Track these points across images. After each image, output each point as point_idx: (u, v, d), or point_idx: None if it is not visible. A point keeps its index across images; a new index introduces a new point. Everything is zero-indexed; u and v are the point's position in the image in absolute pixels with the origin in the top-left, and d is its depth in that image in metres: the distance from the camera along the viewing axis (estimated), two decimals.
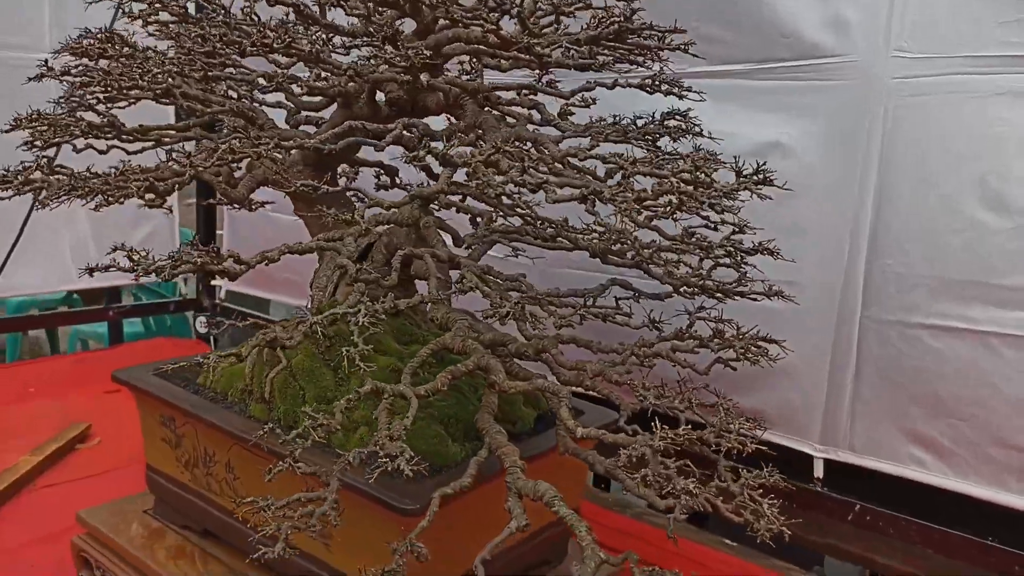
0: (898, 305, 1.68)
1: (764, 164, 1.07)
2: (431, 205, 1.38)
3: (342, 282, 1.52)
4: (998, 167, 1.55)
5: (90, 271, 1.05)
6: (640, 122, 1.27)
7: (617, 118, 1.28)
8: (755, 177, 1.03)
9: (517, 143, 1.11)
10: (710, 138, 1.29)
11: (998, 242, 1.55)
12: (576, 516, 0.94)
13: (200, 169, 1.22)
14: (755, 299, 1.25)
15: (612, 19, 1.02)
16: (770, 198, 1.06)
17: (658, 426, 0.85)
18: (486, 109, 1.29)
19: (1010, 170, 1.54)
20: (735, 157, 1.07)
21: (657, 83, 1.21)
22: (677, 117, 1.29)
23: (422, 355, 1.18)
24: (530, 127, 1.24)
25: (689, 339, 1.09)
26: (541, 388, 1.07)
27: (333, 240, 1.31)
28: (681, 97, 1.23)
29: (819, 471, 1.85)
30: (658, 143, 1.28)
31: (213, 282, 3.44)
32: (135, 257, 1.06)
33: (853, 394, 1.77)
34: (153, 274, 1.07)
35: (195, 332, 1.65)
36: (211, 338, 3.36)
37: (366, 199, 1.34)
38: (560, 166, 0.98)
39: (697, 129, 1.26)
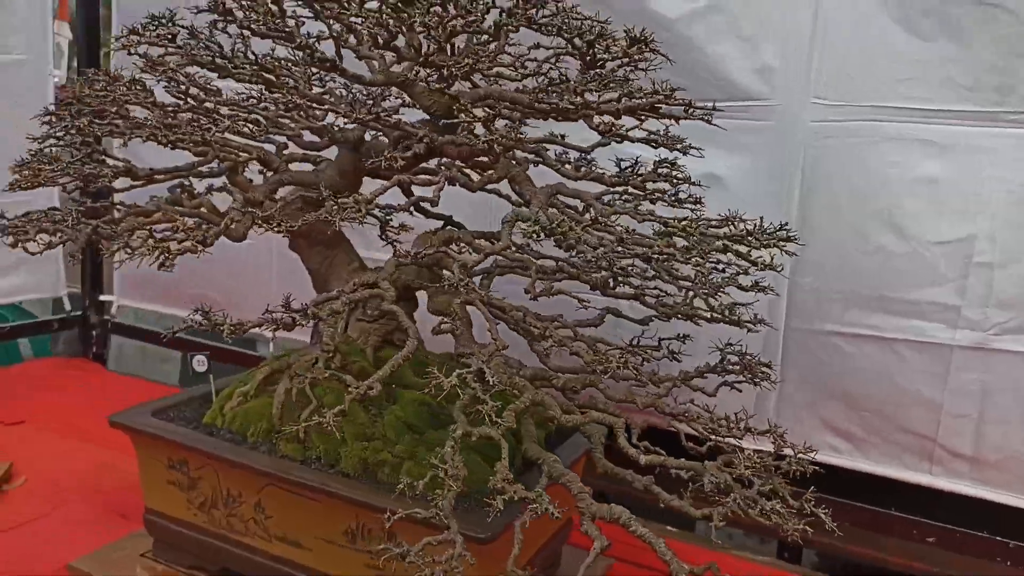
0: (816, 316, 1.97)
1: (786, 224, 1.28)
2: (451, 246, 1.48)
3: (352, 317, 1.58)
4: (896, 202, 1.86)
5: None
6: (641, 170, 1.44)
7: (622, 166, 1.44)
8: (779, 233, 1.23)
9: (559, 196, 1.26)
10: (697, 185, 1.48)
11: (898, 263, 1.87)
12: (652, 535, 1.10)
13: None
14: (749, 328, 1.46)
15: (655, 94, 1.18)
16: (795, 253, 1.27)
17: (741, 456, 1.03)
18: (511, 156, 1.38)
19: (905, 204, 1.85)
20: (760, 219, 1.27)
21: (662, 139, 1.38)
22: (667, 165, 1.47)
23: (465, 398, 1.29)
24: (564, 180, 1.37)
25: (712, 373, 1.29)
26: (598, 421, 1.22)
27: (370, 286, 1.36)
28: (685, 153, 1.41)
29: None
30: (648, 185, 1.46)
31: (103, 297, 3.27)
32: None
33: (779, 395, 2.05)
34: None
35: (192, 371, 1.63)
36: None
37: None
38: (624, 234, 1.13)
39: (685, 175, 1.46)
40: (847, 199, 1.91)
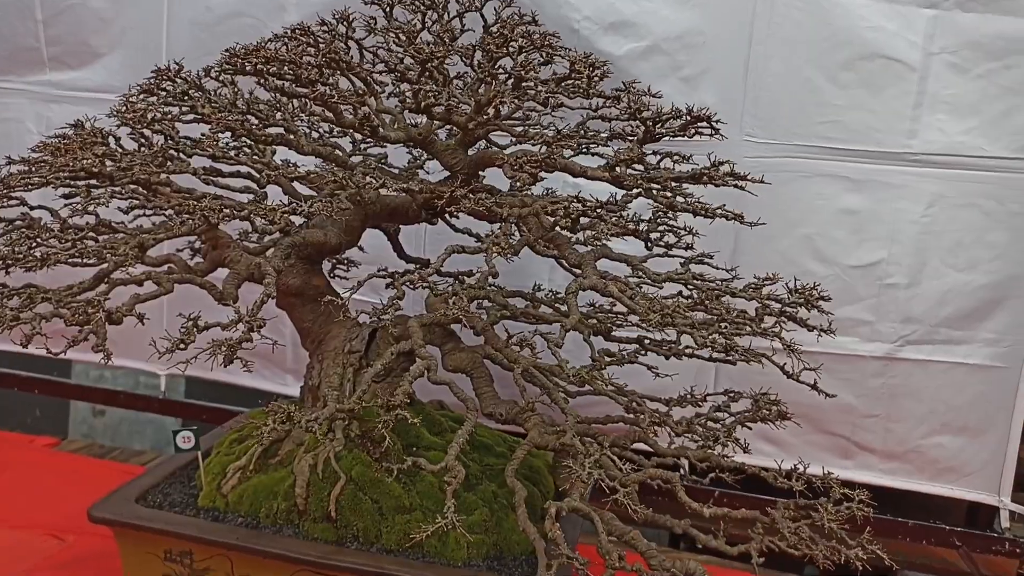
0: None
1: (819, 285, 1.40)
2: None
3: (358, 378, 1.51)
4: (820, 230, 2.07)
5: None
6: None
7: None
8: (814, 292, 1.36)
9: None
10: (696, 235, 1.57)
11: (822, 285, 2.08)
12: None
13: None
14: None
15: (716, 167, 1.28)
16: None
17: (825, 509, 1.13)
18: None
19: (828, 232, 2.07)
20: (794, 278, 1.38)
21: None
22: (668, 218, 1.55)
23: (519, 457, 1.30)
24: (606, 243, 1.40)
25: (751, 421, 1.40)
26: (657, 477, 1.27)
27: (407, 353, 1.31)
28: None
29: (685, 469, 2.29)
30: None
31: None
32: None
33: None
34: None
35: (175, 448, 1.44)
36: None
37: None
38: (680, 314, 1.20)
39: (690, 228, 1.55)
40: (776, 228, 2.09)
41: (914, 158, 2.01)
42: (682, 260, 1.52)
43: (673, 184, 1.34)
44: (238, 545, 1.29)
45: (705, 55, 2.05)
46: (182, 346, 1.05)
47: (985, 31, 1.97)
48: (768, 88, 2.04)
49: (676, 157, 1.36)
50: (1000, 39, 1.97)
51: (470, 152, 1.38)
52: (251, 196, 1.49)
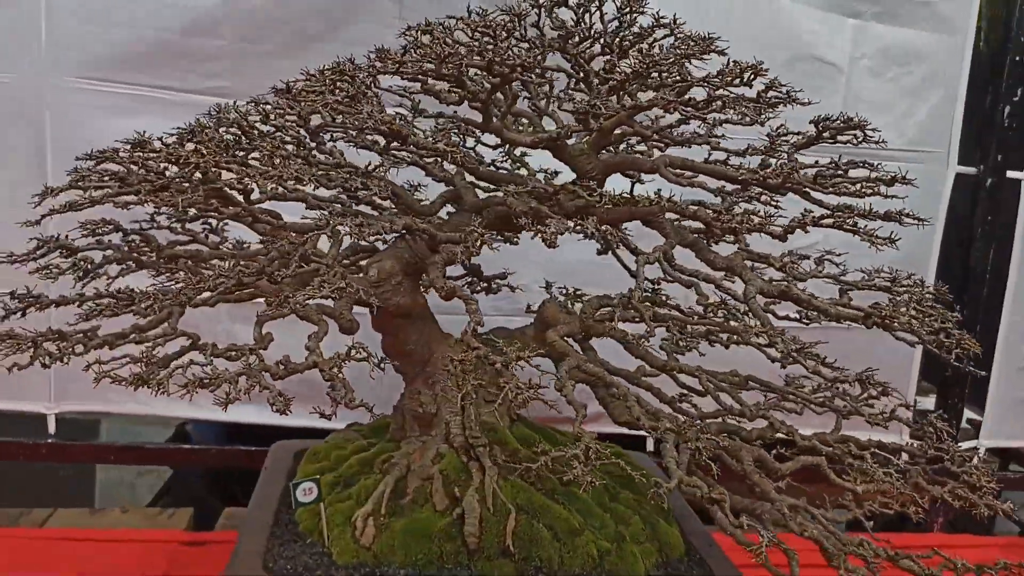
0: None
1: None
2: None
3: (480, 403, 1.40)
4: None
5: None
6: None
7: None
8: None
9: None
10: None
11: None
12: None
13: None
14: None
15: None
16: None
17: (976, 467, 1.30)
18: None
19: None
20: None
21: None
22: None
23: (684, 461, 1.32)
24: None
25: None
26: (808, 465, 1.36)
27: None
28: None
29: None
30: None
31: None
32: None
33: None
34: None
35: (296, 503, 1.17)
36: None
37: None
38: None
39: None
40: None
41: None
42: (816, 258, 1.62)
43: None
44: None
45: None
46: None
47: (892, 40, 2.31)
48: None
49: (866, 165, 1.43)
50: (902, 48, 2.32)
51: (601, 156, 1.34)
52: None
